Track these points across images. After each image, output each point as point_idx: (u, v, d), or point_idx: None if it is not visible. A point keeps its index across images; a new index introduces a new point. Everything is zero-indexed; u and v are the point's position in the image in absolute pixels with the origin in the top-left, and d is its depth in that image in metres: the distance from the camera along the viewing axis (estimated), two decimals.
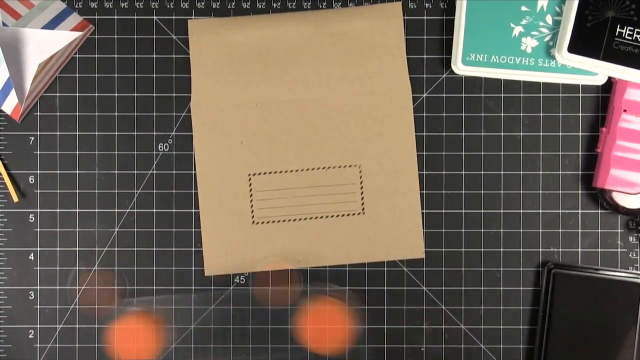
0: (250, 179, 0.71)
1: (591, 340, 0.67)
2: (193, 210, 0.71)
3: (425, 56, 0.72)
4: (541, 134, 0.72)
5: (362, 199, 0.71)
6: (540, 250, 0.72)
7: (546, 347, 0.68)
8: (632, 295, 0.67)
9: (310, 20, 0.72)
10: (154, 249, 0.71)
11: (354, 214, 0.71)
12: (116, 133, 0.72)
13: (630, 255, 0.72)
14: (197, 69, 0.71)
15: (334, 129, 0.70)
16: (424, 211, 0.72)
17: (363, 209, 0.71)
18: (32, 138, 0.72)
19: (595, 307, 0.67)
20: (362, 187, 0.71)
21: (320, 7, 0.72)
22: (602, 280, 0.67)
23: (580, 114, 0.72)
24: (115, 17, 0.72)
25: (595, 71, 0.70)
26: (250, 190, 0.71)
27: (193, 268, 0.71)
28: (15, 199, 0.71)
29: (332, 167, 0.70)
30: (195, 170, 0.71)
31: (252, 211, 0.71)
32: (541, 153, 0.72)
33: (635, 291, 0.67)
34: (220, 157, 0.69)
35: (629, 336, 0.67)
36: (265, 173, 0.71)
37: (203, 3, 0.72)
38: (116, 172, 0.71)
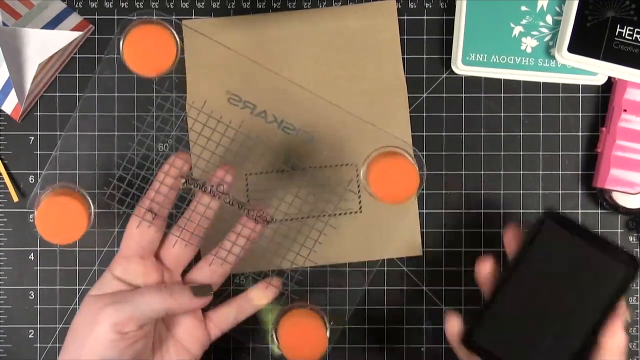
0: (247, 179, 0.71)
1: (548, 306, 0.58)
2: None
3: (425, 56, 0.72)
4: (541, 133, 0.72)
5: (360, 197, 0.71)
6: None
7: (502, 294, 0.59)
8: (610, 275, 0.58)
9: (305, 19, 0.72)
10: None
11: (351, 213, 0.71)
12: (116, 133, 0.72)
13: None
14: (192, 69, 0.71)
15: (330, 128, 0.70)
16: (424, 211, 0.72)
17: (360, 208, 0.71)
18: (32, 138, 0.72)
19: (569, 272, 0.58)
20: (359, 186, 0.71)
21: (320, 7, 0.72)
22: (587, 248, 0.58)
23: (580, 114, 0.72)
24: (115, 17, 0.72)
25: (595, 71, 0.70)
26: (247, 189, 0.71)
27: None
28: (15, 198, 0.72)
29: (328, 165, 0.70)
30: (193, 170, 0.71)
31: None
32: (541, 153, 0.72)
33: (617, 270, 0.58)
34: (216, 157, 0.69)
35: (588, 315, 0.58)
36: (261, 173, 0.71)
37: (203, 3, 0.72)
38: (115, 172, 0.71)
